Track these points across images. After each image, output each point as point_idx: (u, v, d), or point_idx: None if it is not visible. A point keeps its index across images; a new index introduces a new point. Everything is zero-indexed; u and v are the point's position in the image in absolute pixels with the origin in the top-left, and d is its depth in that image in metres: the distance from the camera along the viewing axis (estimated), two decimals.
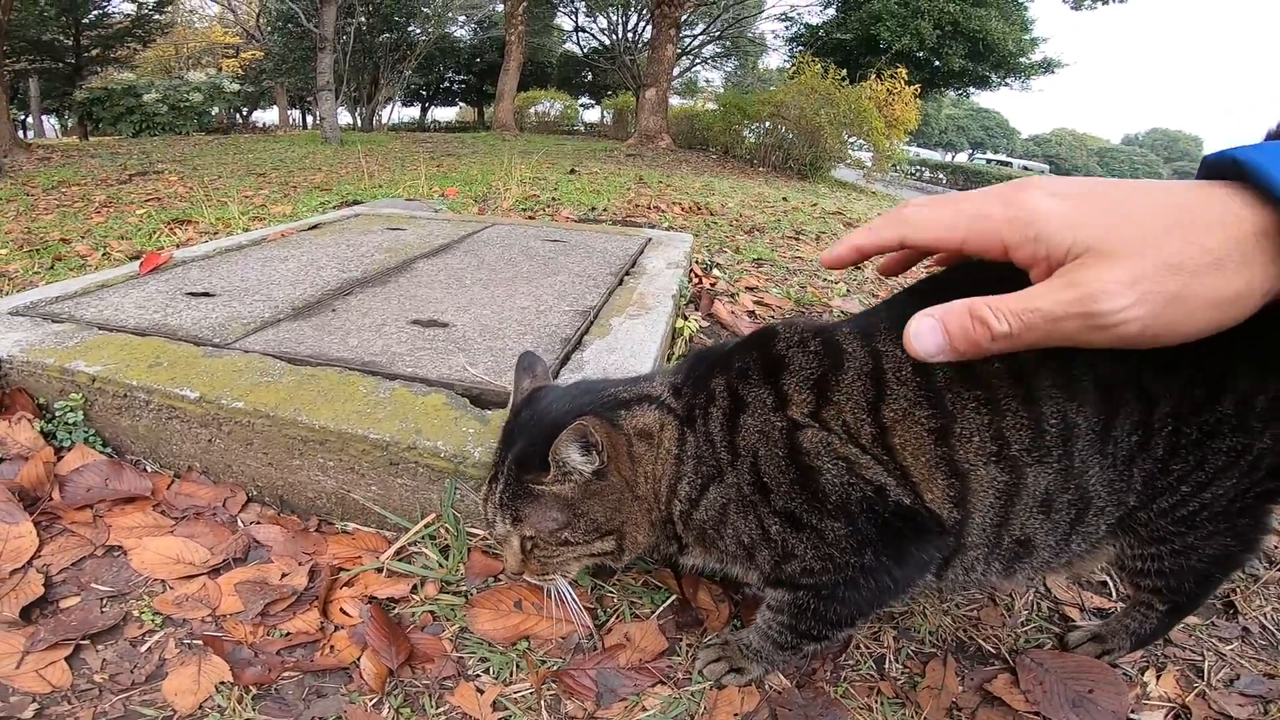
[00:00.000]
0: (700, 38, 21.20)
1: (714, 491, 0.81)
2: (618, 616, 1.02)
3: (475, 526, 1.10)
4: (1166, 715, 0.92)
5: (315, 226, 2.61)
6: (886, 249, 0.64)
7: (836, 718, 0.87)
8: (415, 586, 1.04)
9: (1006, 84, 17.34)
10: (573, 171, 6.85)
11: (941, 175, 28.85)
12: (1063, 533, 0.76)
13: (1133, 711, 0.91)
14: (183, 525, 1.12)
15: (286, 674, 0.89)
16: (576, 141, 13.97)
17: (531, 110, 18.49)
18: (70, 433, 1.24)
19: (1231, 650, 1.05)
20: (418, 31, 18.58)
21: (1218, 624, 1.10)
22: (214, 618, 0.96)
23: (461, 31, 23.04)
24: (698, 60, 23.44)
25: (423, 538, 1.10)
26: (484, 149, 9.80)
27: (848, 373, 0.73)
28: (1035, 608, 1.12)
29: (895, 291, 0.93)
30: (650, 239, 2.65)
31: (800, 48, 17.14)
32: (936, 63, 15.92)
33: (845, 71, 12.20)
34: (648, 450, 0.83)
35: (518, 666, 0.93)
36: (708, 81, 26.82)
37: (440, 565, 1.07)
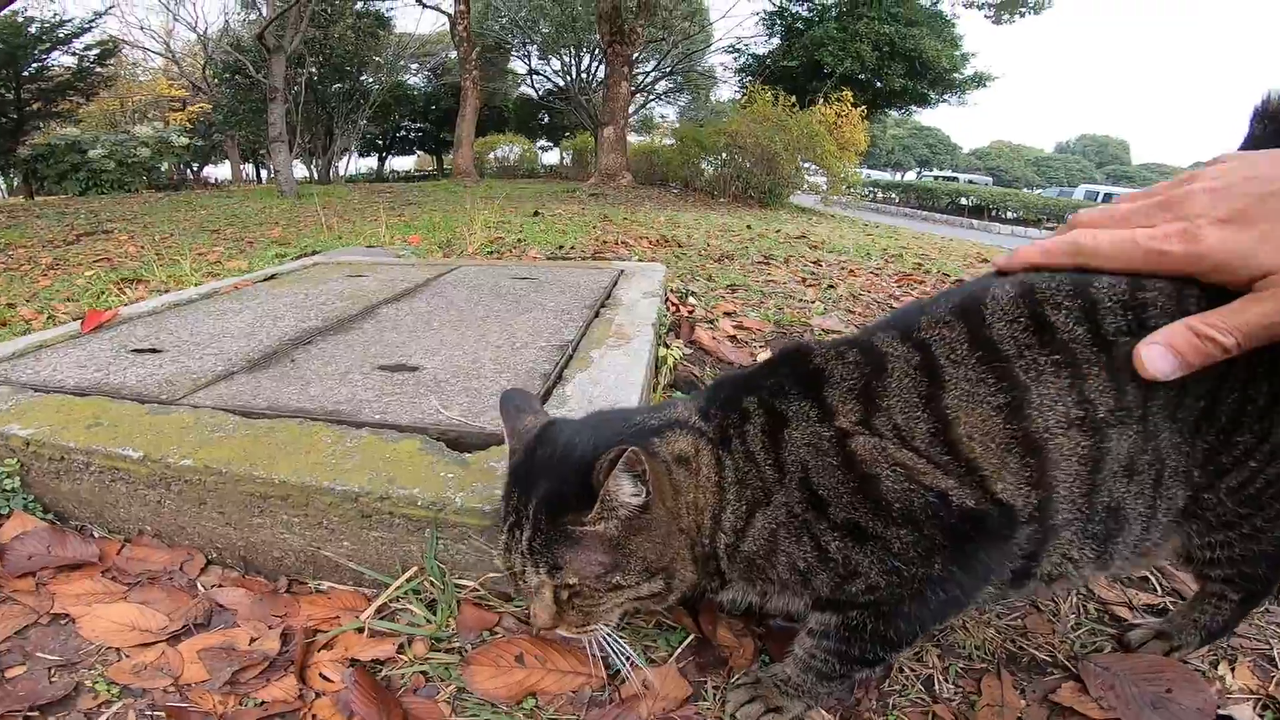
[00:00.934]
0: (653, 74, 21.73)
1: (761, 519, 0.75)
2: (632, 663, 0.92)
3: (464, 577, 1.01)
4: (1255, 708, 0.88)
5: (271, 277, 2.50)
6: (1062, 270, 0.73)
7: None
8: (402, 646, 0.94)
9: (945, 100, 18.16)
10: (536, 214, 6.84)
11: (894, 194, 29.71)
12: (1148, 499, 0.72)
13: (1220, 708, 0.85)
14: (136, 591, 1.02)
15: None
16: (538, 184, 14.07)
17: (491, 155, 18.61)
18: (8, 500, 1.15)
19: None
20: (371, 80, 18.64)
21: (1273, 610, 1.06)
22: (177, 687, 0.87)
23: (415, 79, 23.21)
24: (652, 97, 23.98)
25: (406, 593, 1.01)
26: (444, 196, 9.77)
27: (893, 374, 0.71)
28: (1083, 610, 1.07)
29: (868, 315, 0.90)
30: (623, 271, 2.60)
31: (750, 77, 17.69)
32: (879, 84, 16.59)
33: (794, 98, 12.58)
34: (687, 478, 0.77)
35: None
36: (663, 117, 27.43)
37: (428, 621, 0.98)
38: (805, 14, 17.35)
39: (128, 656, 0.91)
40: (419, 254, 3.77)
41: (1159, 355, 0.64)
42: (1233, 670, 0.94)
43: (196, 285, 2.90)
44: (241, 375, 1.39)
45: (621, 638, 0.95)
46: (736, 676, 0.90)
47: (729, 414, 0.78)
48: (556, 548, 0.75)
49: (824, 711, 0.85)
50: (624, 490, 0.72)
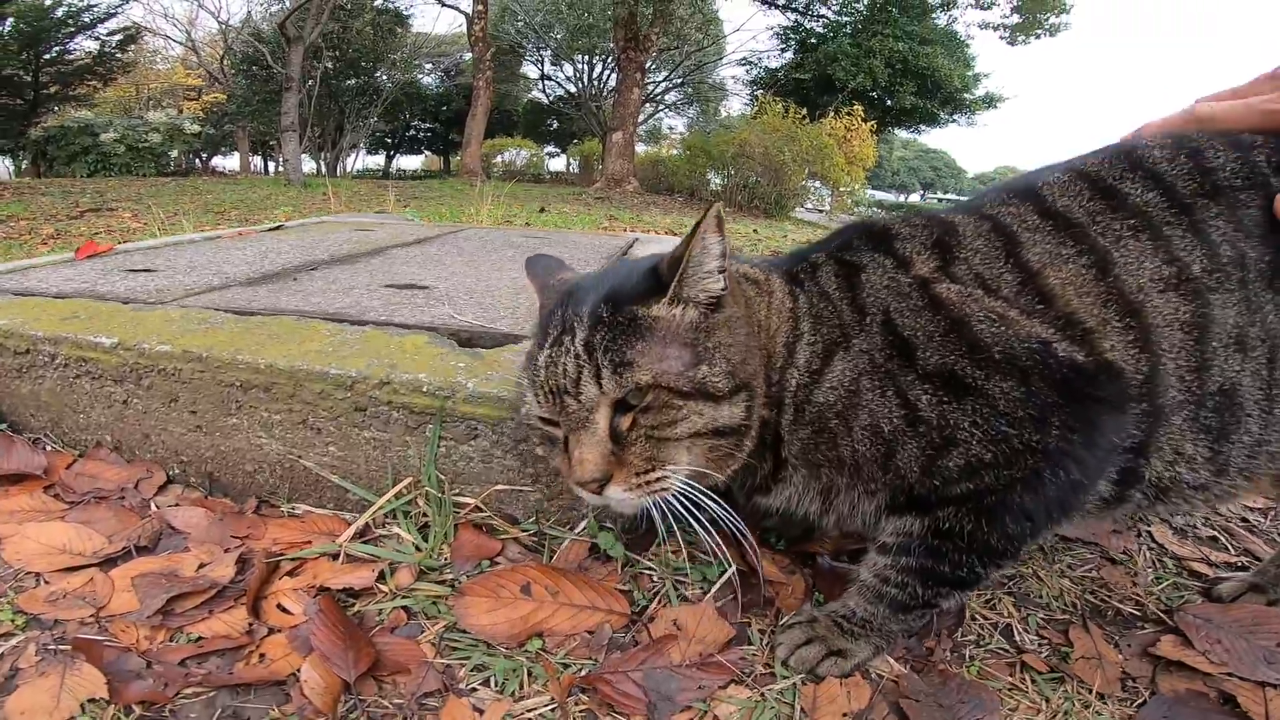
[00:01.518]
0: (664, 84, 21.82)
1: (841, 363, 0.65)
2: (661, 600, 0.82)
3: (464, 493, 0.89)
4: None
5: (277, 228, 2.40)
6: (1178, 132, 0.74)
7: (983, 705, 0.67)
8: (383, 575, 0.82)
9: (954, 120, 18.18)
10: (543, 210, 6.80)
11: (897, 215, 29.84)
12: (1264, 382, 0.63)
13: None
14: (79, 510, 0.91)
15: (191, 690, 0.66)
16: (544, 187, 14.04)
17: (498, 158, 18.56)
18: None
19: None
20: (385, 78, 18.65)
21: None
22: (97, 618, 0.74)
23: (429, 79, 23.24)
24: (662, 107, 24.09)
25: (393, 512, 0.88)
26: (451, 193, 9.72)
27: (965, 234, 0.66)
28: (1159, 564, 0.99)
29: None
30: (637, 239, 2.54)
31: (761, 90, 17.72)
32: (889, 101, 16.63)
33: (805, 110, 12.57)
34: (757, 295, 0.70)
35: (530, 674, 0.70)
36: (671, 128, 27.54)
37: (417, 548, 0.85)
38: (820, 29, 17.44)
39: (48, 583, 0.79)
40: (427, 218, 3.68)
41: None
42: None
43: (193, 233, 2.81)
44: (238, 288, 1.29)
45: (648, 568, 0.84)
46: (787, 617, 0.79)
47: (797, 264, 0.73)
48: (624, 340, 0.60)
49: (892, 660, 0.74)
50: (709, 258, 0.61)
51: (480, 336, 1.02)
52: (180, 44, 19.90)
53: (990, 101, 17.46)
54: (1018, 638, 0.81)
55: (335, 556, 0.84)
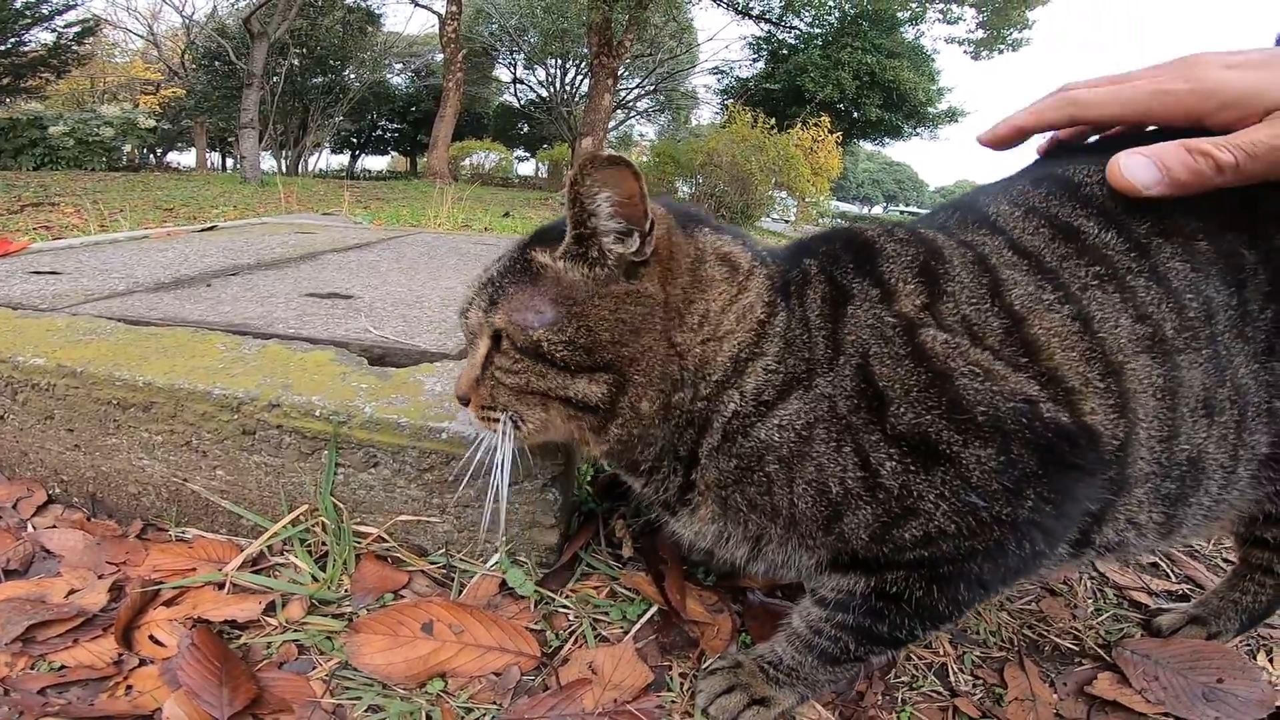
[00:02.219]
0: (636, 91, 21.88)
1: (798, 402, 0.57)
2: (577, 640, 0.77)
3: (366, 522, 0.83)
4: None
5: (211, 229, 2.29)
6: (1052, 128, 0.69)
7: None
8: (273, 607, 0.76)
9: (917, 133, 18.58)
10: (507, 215, 6.71)
11: None
12: (1230, 446, 0.60)
13: (1276, 700, 0.76)
14: None
15: None
16: (512, 191, 13.92)
17: (466, 161, 18.32)
18: None
19: None
20: (353, 76, 18.31)
21: None
22: None
23: (398, 79, 22.89)
24: (634, 114, 24.14)
25: (290, 539, 0.82)
26: (415, 194, 9.57)
27: (951, 263, 0.59)
28: (1100, 595, 0.97)
29: None
30: None
31: (731, 99, 17.88)
32: (856, 113, 16.94)
33: (773, 120, 12.71)
34: (725, 281, 0.61)
35: (428, 717, 0.65)
36: (642, 135, 27.62)
37: (315, 579, 0.79)
38: (791, 40, 17.68)
39: None
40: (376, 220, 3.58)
41: (1140, 165, 0.57)
42: (1271, 660, 0.85)
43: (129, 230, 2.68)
44: (143, 294, 1.20)
45: (564, 606, 0.80)
46: (710, 660, 0.74)
47: (794, 266, 0.64)
48: (507, 278, 0.61)
49: (819, 706, 0.70)
50: (603, 217, 0.56)
51: (394, 354, 0.95)
52: (141, 37, 19.27)
53: (953, 115, 17.89)
54: (952, 678, 0.77)
55: (221, 586, 0.78)
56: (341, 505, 0.82)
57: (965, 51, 15.69)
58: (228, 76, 14.72)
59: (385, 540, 0.84)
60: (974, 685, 0.77)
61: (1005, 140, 0.70)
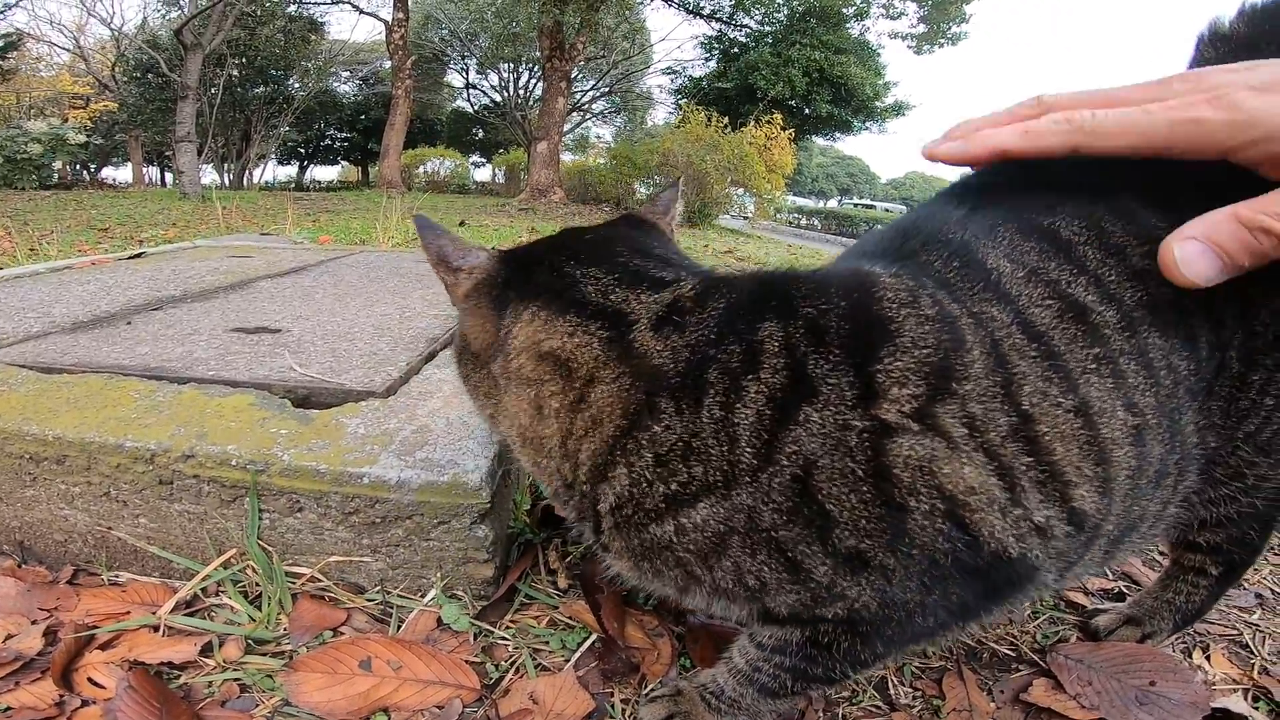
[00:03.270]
0: (591, 92, 21.86)
1: (708, 509, 0.51)
2: (517, 670, 0.77)
3: (298, 563, 0.82)
4: (1246, 698, 0.79)
5: (139, 255, 2.21)
6: (1046, 157, 0.56)
7: None
8: (210, 648, 0.76)
9: (866, 128, 18.98)
10: (462, 224, 6.62)
11: (816, 220, 30.76)
12: (1163, 501, 0.60)
13: (1211, 700, 0.76)
14: None
15: None
16: (468, 199, 13.77)
17: (420, 169, 18.00)
18: None
19: (1260, 620, 0.96)
20: (296, 85, 17.86)
21: (1229, 593, 0.99)
22: None
23: (345, 87, 22.42)
24: (589, 116, 24.10)
25: (223, 581, 0.82)
26: (367, 205, 9.36)
27: (972, 351, 0.50)
28: (1037, 598, 0.97)
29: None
30: None
31: (685, 98, 18.00)
32: (807, 110, 17.24)
33: (727, 119, 12.83)
34: (552, 383, 0.54)
35: None
36: (599, 137, 27.58)
37: (251, 619, 0.79)
38: (742, 39, 17.90)
39: None
40: (317, 239, 3.50)
41: (1197, 254, 0.50)
42: (1208, 658, 0.86)
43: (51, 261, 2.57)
44: (59, 335, 1.15)
45: (503, 638, 0.80)
46: (651, 687, 0.74)
47: (722, 339, 0.52)
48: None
49: None
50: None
51: (320, 393, 0.94)
52: (68, 50, 18.45)
53: (899, 109, 18.33)
54: (892, 691, 0.78)
55: (156, 628, 0.78)
56: (270, 548, 0.81)
57: (908, 46, 16.12)
58: (161, 89, 14.21)
59: (320, 580, 0.83)
60: (913, 698, 0.78)
61: (982, 161, 0.58)
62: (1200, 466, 0.62)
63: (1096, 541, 0.56)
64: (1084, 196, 0.57)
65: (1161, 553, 1.10)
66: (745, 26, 17.81)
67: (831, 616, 0.55)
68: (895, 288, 0.52)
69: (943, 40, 15.70)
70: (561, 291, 0.56)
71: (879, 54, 17.58)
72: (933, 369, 0.49)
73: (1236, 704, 0.76)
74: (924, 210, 0.66)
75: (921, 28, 15.76)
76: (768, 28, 17.27)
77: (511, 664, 0.78)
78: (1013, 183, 0.61)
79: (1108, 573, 1.05)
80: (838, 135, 20.16)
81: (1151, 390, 0.54)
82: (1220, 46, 0.70)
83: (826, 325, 0.51)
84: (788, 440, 0.48)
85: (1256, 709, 0.78)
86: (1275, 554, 1.13)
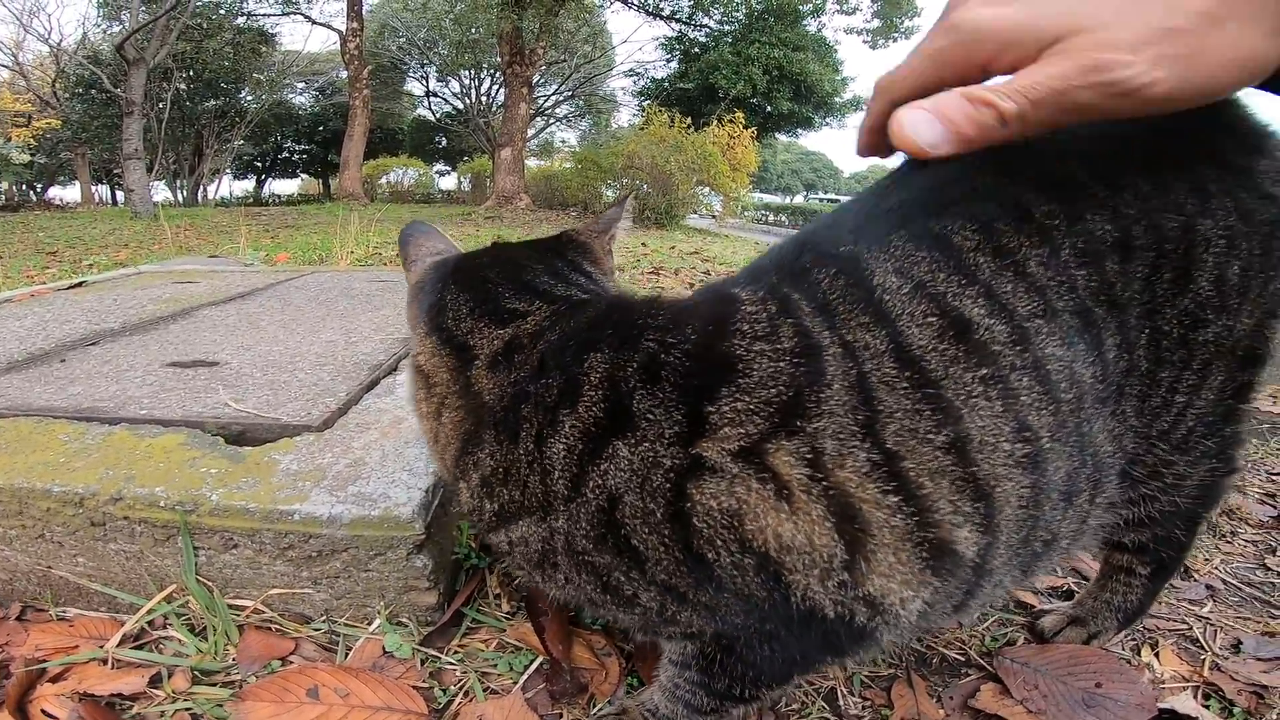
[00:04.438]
0: (554, 97, 21.77)
1: (526, 528, 0.54)
2: (466, 694, 0.77)
3: (241, 596, 0.83)
4: (1197, 696, 0.78)
5: (80, 284, 2.15)
6: (877, 130, 0.58)
7: None
8: (159, 679, 0.76)
9: (827, 124, 19.26)
10: None
11: (783, 216, 31.11)
12: (1083, 514, 0.59)
13: (1158, 700, 0.76)
14: None
15: None
16: (433, 208, 13.60)
17: (383, 179, 17.76)
18: None
19: (1211, 613, 0.95)
20: (249, 98, 17.48)
21: (1179, 585, 1.00)
22: None
23: (301, 98, 22.02)
24: (553, 120, 24.01)
25: (170, 616, 0.83)
26: (328, 219, 9.20)
27: (831, 385, 0.48)
28: None
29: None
30: None
31: (648, 100, 18.06)
32: (769, 107, 17.43)
33: (690, 120, 12.90)
34: (423, 391, 0.61)
35: None
36: (564, 141, 27.50)
37: (199, 650, 0.79)
38: (702, 39, 18.01)
39: None
40: (272, 261, 3.45)
41: (924, 121, 0.50)
42: (1157, 655, 0.85)
43: None
44: None
45: (450, 663, 0.80)
46: (599, 706, 0.75)
47: (543, 371, 0.53)
48: None
49: None
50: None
51: (255, 429, 0.93)
52: (5, 67, 17.80)
53: (857, 104, 18.61)
54: (841, 702, 0.78)
55: (106, 661, 0.78)
56: (210, 583, 0.82)
57: (864, 41, 16.42)
58: (106, 105, 13.78)
59: (264, 611, 0.83)
60: (862, 708, 0.77)
61: (873, 149, 0.61)
62: (1120, 472, 0.61)
63: (987, 578, 0.54)
64: (978, 192, 0.54)
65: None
66: (705, 26, 17.93)
67: (699, 633, 0.56)
68: (754, 319, 0.51)
69: (897, 34, 16.01)
70: (437, 314, 0.61)
71: (836, 50, 17.85)
72: (778, 407, 0.47)
73: (1184, 704, 0.75)
74: (836, 213, 0.65)
75: (875, 22, 16.07)
76: (727, 27, 17.40)
77: (460, 688, 0.78)
78: (924, 176, 0.58)
79: (1058, 570, 1.04)
80: (800, 131, 20.41)
81: (1050, 407, 0.51)
82: None
83: (665, 360, 0.50)
84: (594, 473, 0.49)
85: (1207, 707, 0.77)
86: (1226, 542, 1.14)
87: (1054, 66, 0.47)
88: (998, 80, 0.50)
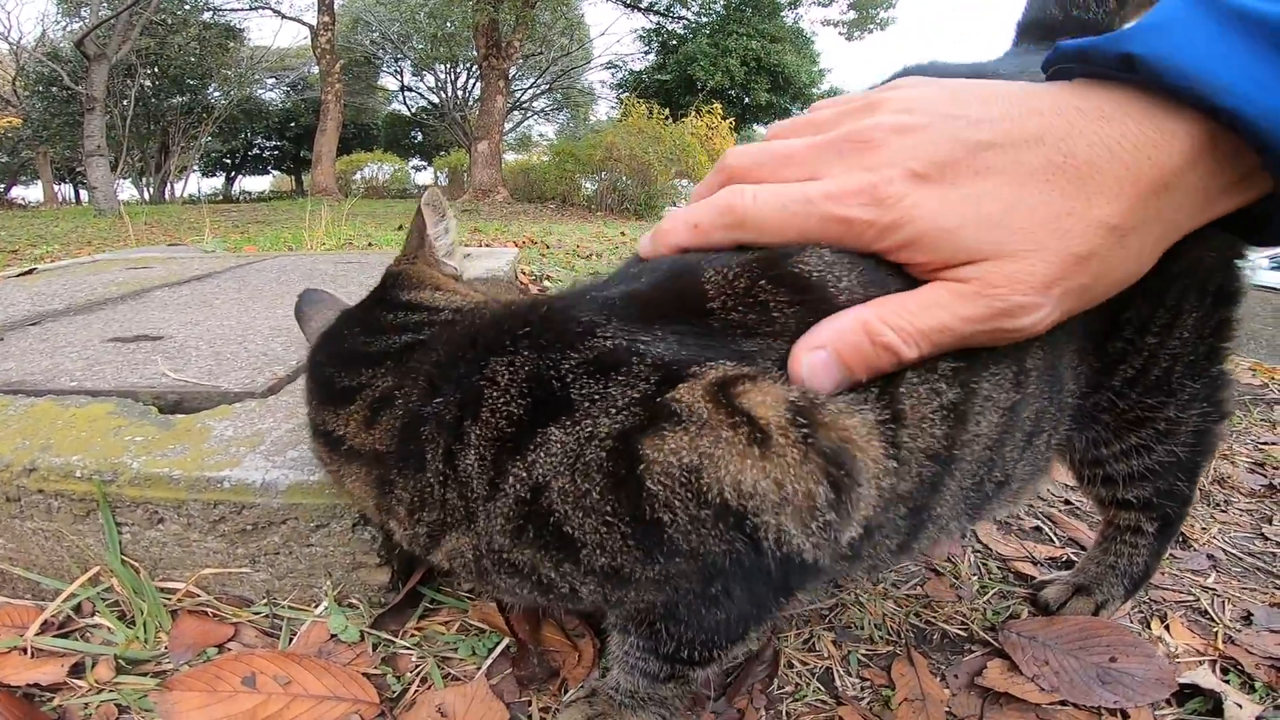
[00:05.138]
0: (531, 90, 21.60)
1: (456, 539, 0.52)
2: (423, 681, 0.71)
3: (171, 578, 0.77)
4: (1214, 670, 0.75)
5: (29, 272, 2.06)
6: (720, 250, 0.51)
7: None
8: (80, 668, 0.70)
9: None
10: (401, 228, 6.41)
11: None
12: (1035, 449, 0.59)
13: (1177, 675, 0.72)
14: None
15: None
16: (409, 203, 13.41)
17: (357, 175, 17.44)
18: None
19: (1216, 584, 0.92)
20: (216, 94, 17.08)
21: (1179, 555, 0.98)
22: None
23: (271, 94, 21.56)
24: (530, 114, 23.82)
25: (95, 600, 0.76)
26: (300, 215, 9.03)
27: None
28: (984, 570, 0.93)
29: None
30: (468, 254, 2.38)
31: (626, 92, 17.99)
32: (746, 99, 17.46)
33: (668, 111, 12.88)
34: (326, 468, 0.63)
35: None
36: (542, 135, 27.29)
37: (130, 638, 0.73)
38: (680, 31, 17.97)
39: None
40: (236, 247, 3.34)
41: (823, 365, 0.44)
42: (1168, 628, 0.81)
43: None
44: None
45: (405, 647, 0.75)
46: (571, 691, 0.70)
47: (443, 379, 0.52)
48: None
49: None
50: None
51: (192, 398, 0.87)
52: None
53: (834, 95, 18.65)
54: (838, 682, 0.73)
55: (25, 650, 0.72)
56: (137, 564, 0.75)
57: (840, 33, 16.50)
58: (67, 102, 13.41)
59: (198, 594, 0.77)
60: (861, 688, 0.72)
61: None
62: (1078, 400, 0.61)
63: (949, 502, 0.54)
64: None
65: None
66: (683, 18, 17.90)
67: (649, 607, 0.53)
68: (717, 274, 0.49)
69: (872, 26, 16.10)
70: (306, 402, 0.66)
71: (813, 41, 17.93)
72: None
73: (1205, 678, 0.71)
74: None
75: (851, 14, 16.13)
76: (705, 18, 17.39)
77: (417, 674, 0.73)
78: None
79: (1054, 538, 1.01)
80: (778, 122, 20.46)
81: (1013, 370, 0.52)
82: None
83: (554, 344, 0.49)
84: (517, 469, 0.47)
85: (1227, 682, 0.72)
86: (1221, 511, 1.12)
87: (964, 307, 0.44)
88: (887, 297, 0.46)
